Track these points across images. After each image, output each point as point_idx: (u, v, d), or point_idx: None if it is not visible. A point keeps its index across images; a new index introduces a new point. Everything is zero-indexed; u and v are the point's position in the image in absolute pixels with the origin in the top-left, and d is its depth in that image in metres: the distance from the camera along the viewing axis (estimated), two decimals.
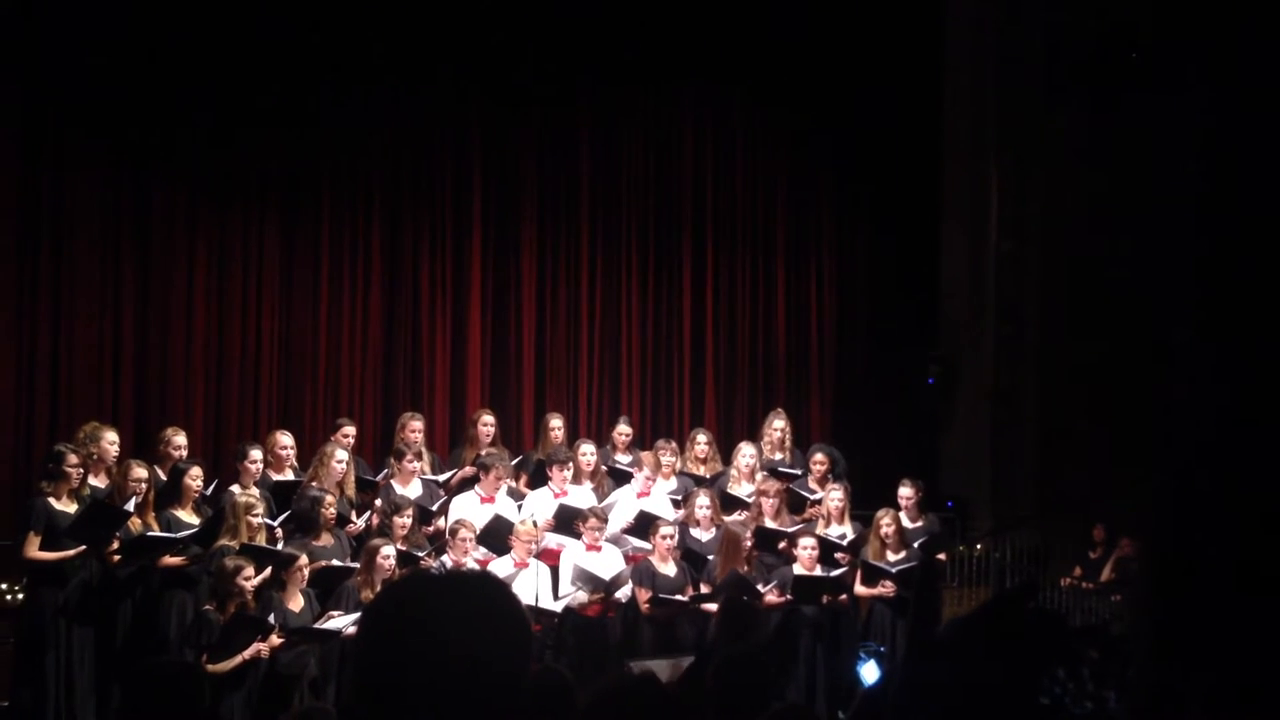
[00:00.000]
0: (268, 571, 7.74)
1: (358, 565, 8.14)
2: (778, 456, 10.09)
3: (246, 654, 7.22)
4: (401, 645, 1.71)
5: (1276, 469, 1.23)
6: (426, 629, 1.70)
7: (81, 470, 8.02)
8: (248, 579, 7.39)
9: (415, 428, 9.60)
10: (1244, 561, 1.23)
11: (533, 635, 1.95)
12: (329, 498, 8.37)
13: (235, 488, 8.57)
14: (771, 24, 12.74)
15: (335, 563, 8.14)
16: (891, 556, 9.04)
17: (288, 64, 11.35)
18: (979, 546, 11.63)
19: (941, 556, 9.88)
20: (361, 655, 1.80)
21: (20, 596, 8.51)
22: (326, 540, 8.25)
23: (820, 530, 9.16)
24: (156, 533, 8.01)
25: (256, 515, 8.04)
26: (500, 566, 8.45)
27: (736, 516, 9.31)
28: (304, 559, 7.83)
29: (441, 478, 9.49)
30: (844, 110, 13.03)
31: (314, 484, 8.68)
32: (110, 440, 8.45)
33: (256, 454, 8.79)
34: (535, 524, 8.85)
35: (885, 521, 9.10)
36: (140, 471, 8.14)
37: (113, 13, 10.74)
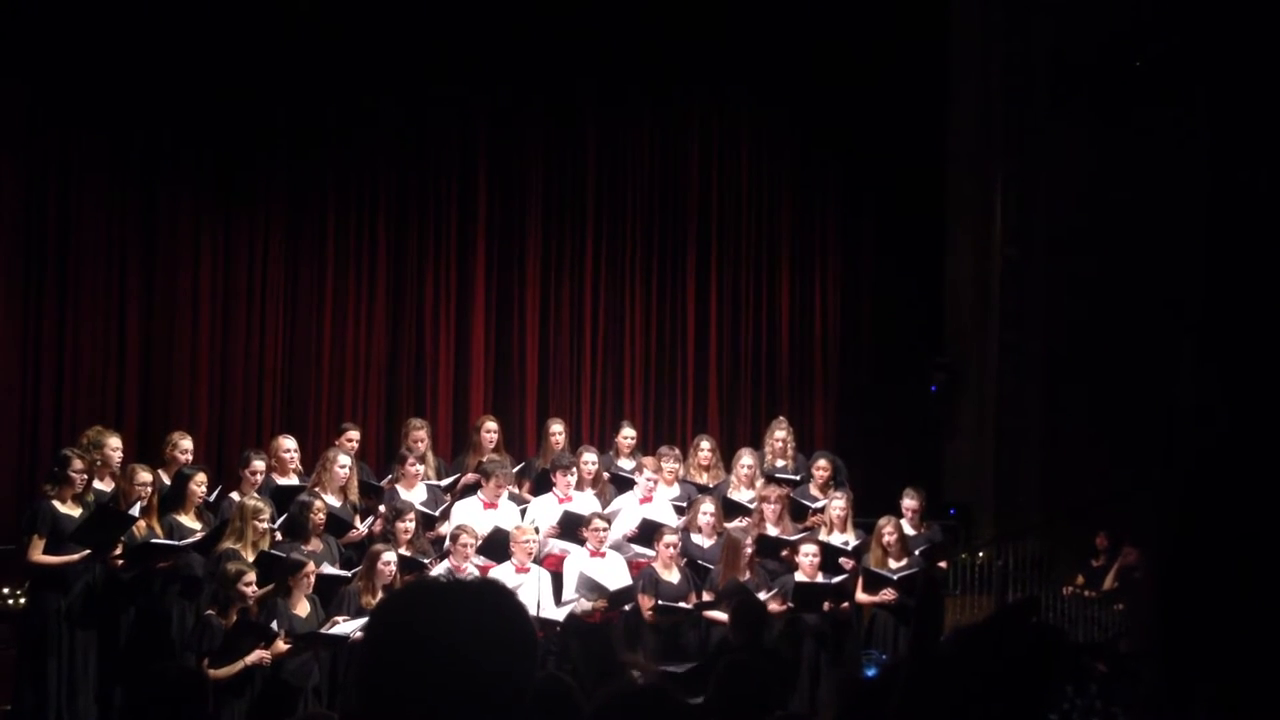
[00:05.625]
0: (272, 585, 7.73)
1: (347, 573, 8.14)
2: (779, 464, 10.08)
3: (249, 660, 7.21)
4: (407, 652, 1.71)
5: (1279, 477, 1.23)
6: (432, 636, 1.71)
7: (86, 475, 8.02)
8: (249, 584, 7.38)
9: (419, 436, 9.61)
10: (1248, 569, 1.23)
11: (538, 642, 1.95)
12: (318, 503, 8.34)
13: (236, 494, 8.58)
14: (777, 31, 12.76)
15: (326, 568, 8.13)
16: (893, 564, 9.04)
17: (294, 69, 11.36)
18: (981, 554, 11.60)
19: (943, 564, 9.87)
20: (367, 661, 1.81)
21: (23, 601, 8.50)
22: (315, 545, 8.23)
23: (823, 537, 9.15)
24: (161, 539, 8.01)
25: (263, 520, 8.04)
26: (501, 573, 8.44)
27: (738, 523, 9.31)
28: (311, 565, 7.82)
29: (445, 483, 9.50)
30: (849, 118, 13.04)
31: (316, 489, 8.68)
32: (114, 446, 8.45)
33: (259, 463, 8.80)
34: (537, 530, 8.86)
35: (887, 529, 9.10)
36: (145, 476, 8.14)
37: (118, 15, 10.76)
